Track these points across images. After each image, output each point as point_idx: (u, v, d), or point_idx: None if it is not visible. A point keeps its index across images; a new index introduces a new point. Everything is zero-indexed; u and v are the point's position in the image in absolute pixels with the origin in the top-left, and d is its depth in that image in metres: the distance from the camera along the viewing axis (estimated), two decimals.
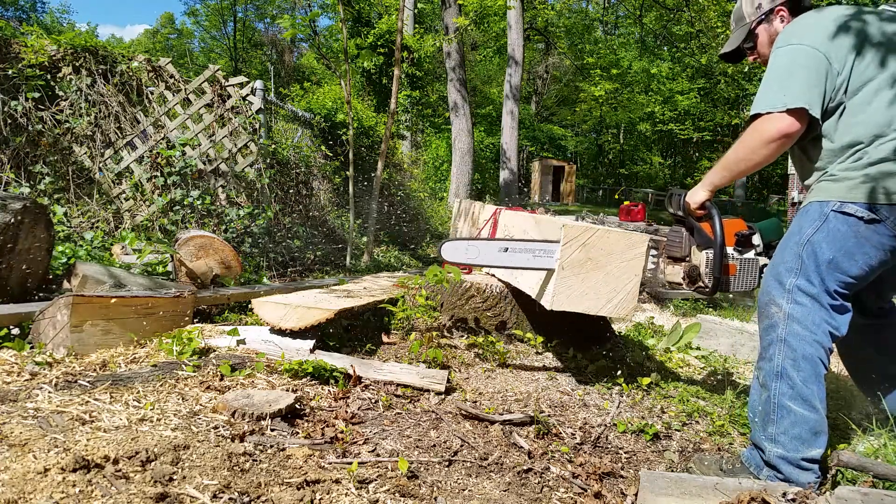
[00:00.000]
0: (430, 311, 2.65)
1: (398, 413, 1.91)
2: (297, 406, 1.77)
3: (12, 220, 2.53)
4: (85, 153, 4.85)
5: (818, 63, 1.64)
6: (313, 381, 2.05)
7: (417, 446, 1.70)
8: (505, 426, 1.89)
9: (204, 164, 4.95)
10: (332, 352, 2.34)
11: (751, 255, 2.07)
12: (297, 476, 1.37)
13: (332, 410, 1.84)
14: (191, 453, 1.38)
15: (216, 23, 36.12)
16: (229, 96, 5.08)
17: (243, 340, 2.34)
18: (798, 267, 1.68)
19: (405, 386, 2.10)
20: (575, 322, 2.65)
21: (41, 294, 2.74)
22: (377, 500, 1.35)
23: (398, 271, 5.12)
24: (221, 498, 1.23)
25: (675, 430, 2.09)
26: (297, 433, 1.63)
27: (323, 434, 1.66)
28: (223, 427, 1.57)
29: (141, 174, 4.83)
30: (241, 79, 5.13)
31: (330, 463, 1.49)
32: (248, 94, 5.10)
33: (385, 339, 2.62)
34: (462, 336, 2.68)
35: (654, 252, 2.22)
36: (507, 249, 2.19)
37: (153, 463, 1.31)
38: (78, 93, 4.82)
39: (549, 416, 2.04)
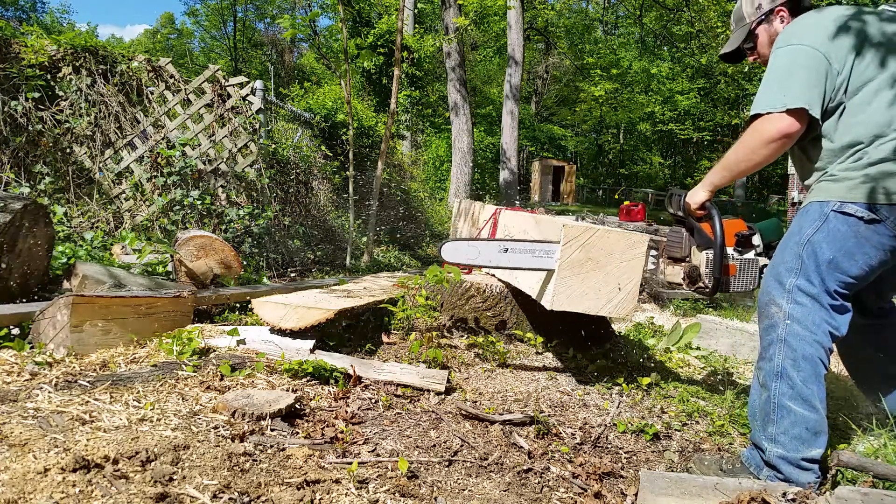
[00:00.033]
0: (430, 311, 2.65)
1: (398, 413, 1.91)
2: (297, 406, 1.77)
3: (12, 220, 2.54)
4: (85, 153, 4.85)
5: (818, 63, 1.64)
6: (313, 381, 2.05)
7: (417, 446, 1.70)
8: (505, 426, 1.89)
9: (204, 164, 4.95)
10: (332, 352, 2.34)
11: (751, 255, 2.07)
12: (297, 476, 1.37)
13: (332, 410, 1.85)
14: (191, 453, 1.38)
15: (216, 23, 36.10)
16: (229, 96, 5.08)
17: (243, 340, 2.34)
18: (798, 267, 1.68)
19: (405, 386, 2.10)
20: (575, 322, 2.65)
21: (41, 294, 2.74)
22: (377, 500, 1.35)
23: (398, 271, 5.12)
24: (221, 498, 1.23)
25: (675, 430, 2.09)
26: (297, 433, 1.63)
27: (323, 434, 1.66)
28: (223, 427, 1.58)
29: (141, 174, 4.83)
30: (241, 79, 5.13)
31: (330, 463, 1.49)
32: (248, 94, 5.10)
33: (385, 339, 2.62)
34: (462, 336, 2.68)
35: (654, 252, 2.22)
36: (507, 250, 2.19)
37: (153, 463, 1.31)
38: (78, 93, 4.82)
39: (549, 416, 2.04)
